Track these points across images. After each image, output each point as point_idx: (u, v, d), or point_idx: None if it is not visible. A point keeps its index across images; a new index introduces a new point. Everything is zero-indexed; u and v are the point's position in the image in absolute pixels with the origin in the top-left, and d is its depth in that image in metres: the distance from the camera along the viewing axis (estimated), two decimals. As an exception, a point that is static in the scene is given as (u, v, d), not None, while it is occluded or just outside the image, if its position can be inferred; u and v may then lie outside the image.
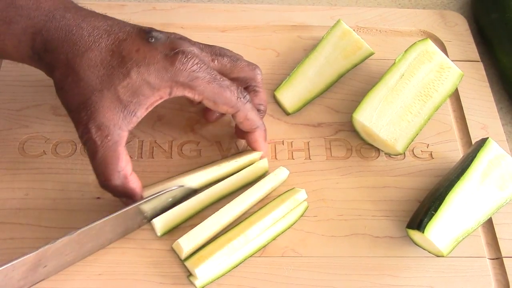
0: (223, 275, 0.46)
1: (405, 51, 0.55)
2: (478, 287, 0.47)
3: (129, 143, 0.53)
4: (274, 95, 0.57)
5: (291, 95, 0.56)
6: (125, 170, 0.43)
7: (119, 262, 0.46)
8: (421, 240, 0.47)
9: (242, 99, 0.46)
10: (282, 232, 0.49)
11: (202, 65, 0.43)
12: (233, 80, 0.47)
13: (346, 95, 0.58)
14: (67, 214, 0.49)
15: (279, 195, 0.50)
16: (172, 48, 0.43)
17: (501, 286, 0.47)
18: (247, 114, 0.47)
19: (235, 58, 0.48)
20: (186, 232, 0.46)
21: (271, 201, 0.50)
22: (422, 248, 0.47)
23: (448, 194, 0.47)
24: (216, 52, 0.47)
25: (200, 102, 0.45)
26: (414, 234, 0.47)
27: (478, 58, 0.63)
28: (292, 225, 0.49)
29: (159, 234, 0.47)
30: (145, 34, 0.43)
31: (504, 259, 0.49)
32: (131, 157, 0.52)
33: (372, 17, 0.65)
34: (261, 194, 0.50)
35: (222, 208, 0.48)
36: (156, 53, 0.42)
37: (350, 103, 0.57)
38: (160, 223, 0.47)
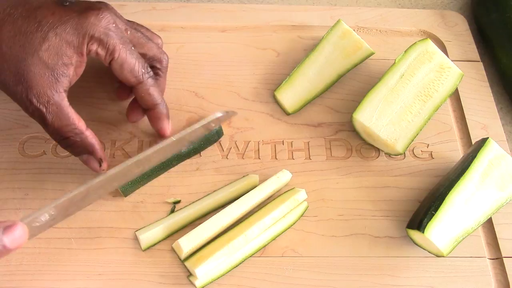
0: (223, 275, 0.46)
1: (405, 51, 0.55)
2: (478, 287, 0.47)
3: (129, 143, 0.53)
4: (274, 95, 0.57)
5: (291, 95, 0.56)
6: (78, 126, 0.45)
7: (119, 262, 0.46)
8: (421, 240, 0.47)
9: (146, 73, 0.47)
10: (282, 232, 0.49)
11: (116, 27, 0.45)
12: (141, 55, 0.48)
13: (346, 95, 0.58)
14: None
15: (279, 195, 0.50)
16: (87, 6, 0.44)
17: (501, 286, 0.47)
18: (149, 88, 0.48)
19: (148, 37, 0.49)
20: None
21: (271, 201, 0.50)
22: (422, 248, 0.48)
23: (448, 194, 0.47)
24: (131, 25, 0.48)
25: (109, 65, 0.46)
26: (414, 234, 0.47)
27: (478, 58, 0.63)
28: (292, 225, 0.49)
29: (143, 248, 0.47)
30: (60, 1, 0.44)
31: (504, 259, 0.49)
32: (131, 157, 0.52)
33: (372, 17, 0.65)
34: (263, 196, 0.50)
35: (222, 210, 0.48)
36: (71, 12, 0.43)
37: (350, 103, 0.57)
38: (145, 239, 0.47)
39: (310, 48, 0.61)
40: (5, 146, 0.52)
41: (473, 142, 0.55)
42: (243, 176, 0.52)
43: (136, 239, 0.48)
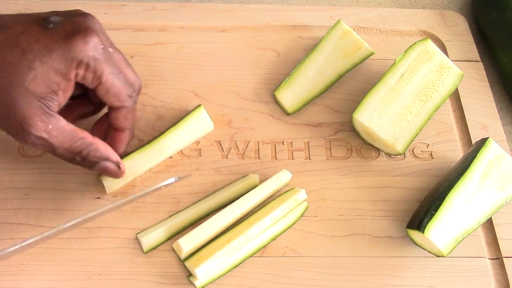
0: (223, 275, 0.46)
1: (405, 51, 0.55)
2: (478, 287, 0.47)
3: (129, 143, 0.53)
4: (274, 95, 0.57)
5: (291, 95, 0.56)
6: (85, 137, 0.44)
7: (119, 262, 0.46)
8: (421, 240, 0.47)
9: (130, 98, 0.46)
10: (282, 232, 0.49)
11: (104, 49, 0.43)
12: None
13: (346, 95, 0.58)
14: (67, 214, 0.49)
15: (279, 195, 0.50)
16: (72, 29, 0.42)
17: (501, 286, 0.47)
18: (128, 113, 0.47)
19: (127, 60, 0.47)
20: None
21: (271, 201, 0.50)
22: (422, 248, 0.48)
23: (448, 194, 0.47)
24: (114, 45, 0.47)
25: (91, 90, 0.45)
26: (414, 234, 0.47)
27: (478, 58, 0.63)
28: (292, 225, 0.49)
29: (145, 251, 0.47)
30: (42, 21, 0.42)
31: (504, 259, 0.49)
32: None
33: (372, 17, 0.65)
34: (263, 196, 0.50)
35: (222, 210, 0.48)
36: (57, 38, 0.41)
37: (350, 103, 0.57)
38: (147, 241, 0.47)
39: (310, 48, 0.61)
40: (5, 146, 0.52)
41: (473, 142, 0.55)
42: (243, 176, 0.52)
43: (136, 239, 0.48)
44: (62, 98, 0.43)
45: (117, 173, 0.47)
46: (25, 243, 0.41)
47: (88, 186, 0.50)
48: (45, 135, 0.41)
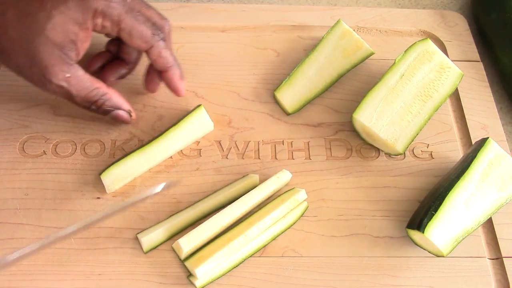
0: (223, 275, 0.46)
1: (405, 51, 0.55)
2: (478, 287, 0.47)
3: (129, 143, 0.53)
4: (274, 95, 0.57)
5: (291, 95, 0.56)
6: (101, 87, 0.47)
7: (119, 262, 0.46)
8: (421, 240, 0.47)
9: (156, 36, 0.47)
10: (282, 232, 0.49)
11: None
12: None
13: (346, 95, 0.58)
14: (67, 214, 0.49)
15: (279, 195, 0.50)
16: None
17: (501, 286, 0.47)
18: (161, 51, 0.48)
19: (147, 4, 0.49)
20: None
21: (271, 201, 0.50)
22: (422, 248, 0.48)
23: (448, 194, 0.47)
24: None
25: (117, 39, 0.47)
26: (414, 234, 0.47)
27: (478, 58, 0.63)
28: (292, 225, 0.49)
29: (145, 251, 0.47)
30: None
31: (504, 259, 0.49)
32: (131, 157, 0.52)
33: (372, 17, 0.65)
34: (263, 196, 0.50)
35: (222, 210, 0.48)
36: None
37: (350, 103, 0.57)
38: (147, 241, 0.47)
39: (310, 48, 0.61)
40: (5, 146, 0.52)
41: (473, 142, 0.55)
42: (243, 176, 0.52)
43: (136, 239, 0.48)
44: (81, 48, 0.45)
45: (128, 120, 0.51)
46: (27, 250, 0.41)
47: (88, 186, 0.50)
48: (64, 84, 0.44)
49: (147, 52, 0.48)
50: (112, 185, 0.49)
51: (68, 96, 0.46)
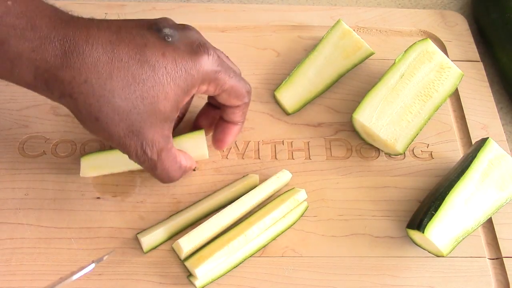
0: (223, 275, 0.46)
1: (405, 51, 0.55)
2: (478, 287, 0.47)
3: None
4: (274, 95, 0.57)
5: (291, 95, 0.56)
6: (182, 164, 0.45)
7: (119, 262, 0.46)
8: (421, 240, 0.47)
9: (249, 93, 0.46)
10: (282, 232, 0.49)
11: (220, 60, 0.43)
12: None
13: (346, 95, 0.58)
14: (67, 214, 0.49)
15: (279, 195, 0.50)
16: (191, 44, 0.41)
17: (501, 286, 0.47)
18: (246, 108, 0.47)
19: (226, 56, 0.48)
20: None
21: (271, 201, 0.50)
22: (422, 248, 0.48)
23: (448, 194, 0.47)
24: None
25: (210, 97, 0.45)
26: (414, 234, 0.47)
27: (478, 58, 0.63)
28: (292, 225, 0.49)
29: (145, 251, 0.47)
30: (156, 31, 0.40)
31: (504, 259, 0.49)
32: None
33: (372, 17, 0.65)
34: (263, 196, 0.50)
35: (222, 210, 0.48)
36: (182, 54, 0.40)
37: (350, 103, 0.57)
38: (147, 241, 0.47)
39: (310, 48, 0.61)
40: (5, 146, 0.52)
41: (473, 142, 0.55)
42: (243, 176, 0.52)
43: (136, 239, 0.48)
44: (179, 114, 0.43)
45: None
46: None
47: (88, 186, 0.50)
48: (155, 158, 0.41)
49: (232, 108, 0.46)
50: (87, 171, 0.49)
51: (152, 168, 0.42)
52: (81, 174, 0.49)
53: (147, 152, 0.41)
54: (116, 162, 0.49)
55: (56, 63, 0.36)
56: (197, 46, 0.41)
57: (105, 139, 0.41)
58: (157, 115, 0.39)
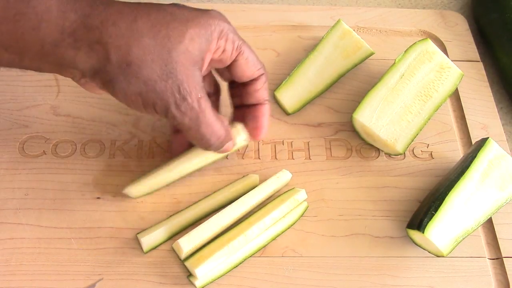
0: (223, 275, 0.46)
1: (405, 51, 0.55)
2: (478, 287, 0.47)
3: (129, 143, 0.53)
4: (274, 95, 0.57)
5: (291, 95, 0.56)
6: (225, 123, 0.44)
7: (119, 262, 0.46)
8: (421, 240, 0.47)
9: (263, 65, 0.46)
10: (282, 232, 0.49)
11: (230, 23, 0.43)
12: None
13: (346, 95, 0.58)
14: (67, 214, 0.49)
15: (279, 195, 0.50)
16: (203, 10, 0.42)
17: (501, 286, 0.47)
18: (266, 84, 0.47)
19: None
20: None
21: (271, 201, 0.50)
22: (422, 248, 0.48)
23: (448, 194, 0.47)
24: None
25: (227, 67, 0.44)
26: (414, 234, 0.47)
27: (478, 58, 0.63)
28: (292, 225, 0.49)
29: (145, 251, 0.47)
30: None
31: (504, 259, 0.49)
32: (130, 157, 0.52)
33: (372, 17, 0.65)
34: (263, 196, 0.50)
35: (222, 210, 0.48)
36: (195, 12, 0.40)
37: (350, 103, 0.57)
38: (147, 241, 0.47)
39: (310, 48, 0.61)
40: (5, 146, 0.52)
41: (473, 142, 0.55)
42: (243, 176, 0.52)
43: (136, 239, 0.48)
44: (205, 65, 0.42)
45: (229, 149, 0.46)
46: None
47: (88, 186, 0.50)
48: (196, 106, 0.39)
49: (252, 83, 0.46)
50: (136, 192, 0.49)
51: (192, 120, 0.40)
52: (134, 196, 0.49)
53: (187, 98, 0.39)
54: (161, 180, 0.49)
55: (85, 12, 0.37)
56: (208, 10, 0.42)
57: (138, 92, 0.38)
58: (186, 55, 0.38)
